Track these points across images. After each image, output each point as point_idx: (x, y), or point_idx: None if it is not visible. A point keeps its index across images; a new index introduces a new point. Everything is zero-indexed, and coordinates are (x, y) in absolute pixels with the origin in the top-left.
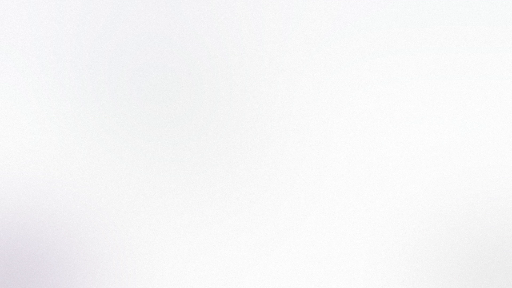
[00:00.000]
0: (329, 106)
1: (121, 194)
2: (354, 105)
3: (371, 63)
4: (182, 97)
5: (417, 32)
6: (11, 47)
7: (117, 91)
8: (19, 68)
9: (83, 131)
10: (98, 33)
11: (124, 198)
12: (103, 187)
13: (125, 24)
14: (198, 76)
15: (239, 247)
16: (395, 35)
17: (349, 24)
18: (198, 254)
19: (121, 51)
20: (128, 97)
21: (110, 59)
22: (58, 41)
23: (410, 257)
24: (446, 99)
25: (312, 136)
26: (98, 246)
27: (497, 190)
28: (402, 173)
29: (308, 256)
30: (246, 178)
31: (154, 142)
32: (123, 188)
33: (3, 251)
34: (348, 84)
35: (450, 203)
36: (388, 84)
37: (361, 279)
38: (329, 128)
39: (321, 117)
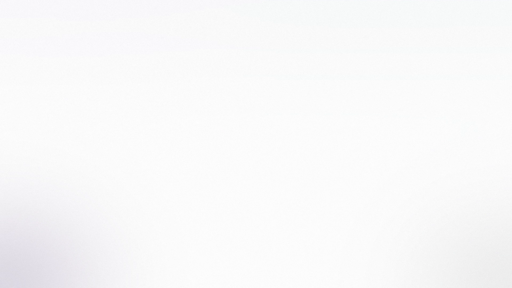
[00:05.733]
0: (328, 105)
1: (121, 194)
2: (354, 105)
3: (372, 62)
4: (182, 97)
5: (417, 32)
6: (9, 46)
7: (117, 90)
8: (18, 67)
9: (82, 130)
10: (97, 31)
11: (124, 198)
12: (102, 187)
13: (123, 21)
14: (200, 81)
15: (238, 248)
16: (394, 34)
17: (348, 23)
18: (197, 254)
19: (117, 47)
20: (128, 96)
21: (108, 56)
22: (56, 40)
23: (411, 257)
24: (446, 99)
25: (311, 136)
26: (98, 246)
27: (497, 190)
28: (402, 173)
29: (307, 257)
30: (246, 179)
31: (154, 141)
32: (123, 188)
33: (2, 251)
34: (348, 83)
35: (451, 203)
36: (388, 83)
37: (361, 280)
38: (329, 128)
39: (320, 117)
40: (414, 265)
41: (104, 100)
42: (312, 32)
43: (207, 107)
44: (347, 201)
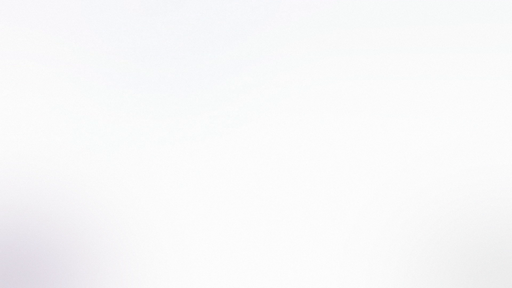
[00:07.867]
0: (328, 105)
1: (123, 195)
2: (355, 104)
3: (372, 62)
4: (183, 97)
5: (417, 32)
6: (10, 46)
7: (117, 90)
8: (18, 67)
9: (82, 130)
10: (97, 31)
11: (126, 199)
12: (105, 187)
13: (123, 21)
14: (197, 79)
15: (238, 249)
16: (394, 34)
17: (348, 22)
18: (199, 254)
19: (116, 45)
20: (128, 96)
21: (106, 56)
22: (57, 40)
23: (411, 257)
24: (446, 99)
25: (312, 135)
26: (98, 246)
27: (497, 190)
28: (402, 173)
29: (308, 257)
30: (246, 179)
31: (153, 141)
32: (125, 188)
33: (2, 251)
34: (348, 82)
35: (451, 203)
36: (388, 83)
37: (361, 280)
38: (330, 128)
39: (320, 117)
40: (414, 265)
41: (105, 101)
42: (313, 33)
43: (207, 107)
44: (347, 201)
